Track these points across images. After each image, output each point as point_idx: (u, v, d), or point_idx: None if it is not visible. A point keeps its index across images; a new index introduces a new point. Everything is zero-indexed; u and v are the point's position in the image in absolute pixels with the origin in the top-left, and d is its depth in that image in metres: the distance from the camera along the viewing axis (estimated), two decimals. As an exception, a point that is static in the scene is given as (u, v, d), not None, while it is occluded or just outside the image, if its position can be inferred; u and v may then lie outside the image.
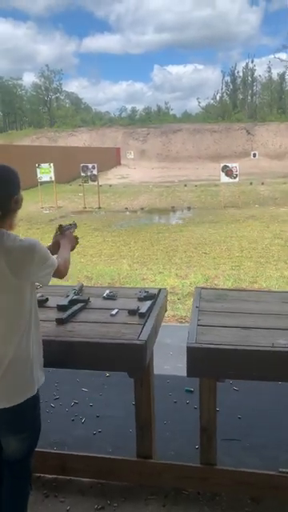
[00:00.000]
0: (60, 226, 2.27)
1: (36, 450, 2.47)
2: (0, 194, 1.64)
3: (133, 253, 8.49)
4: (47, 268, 1.73)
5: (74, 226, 2.39)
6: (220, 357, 1.94)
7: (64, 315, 2.25)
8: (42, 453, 2.43)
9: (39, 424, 1.95)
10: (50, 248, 2.06)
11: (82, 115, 75.21)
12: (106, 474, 2.37)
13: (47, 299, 2.53)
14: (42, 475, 2.42)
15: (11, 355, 1.68)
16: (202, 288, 2.83)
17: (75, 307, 2.37)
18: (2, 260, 1.59)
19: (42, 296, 2.56)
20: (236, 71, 71.11)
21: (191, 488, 2.31)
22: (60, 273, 1.87)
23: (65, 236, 2.21)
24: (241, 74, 71.07)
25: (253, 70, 71.11)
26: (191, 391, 3.19)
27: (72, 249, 2.23)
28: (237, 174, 14.73)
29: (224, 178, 14.85)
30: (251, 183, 21.90)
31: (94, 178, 16.33)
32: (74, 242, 2.27)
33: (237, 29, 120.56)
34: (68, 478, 2.40)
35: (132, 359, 1.99)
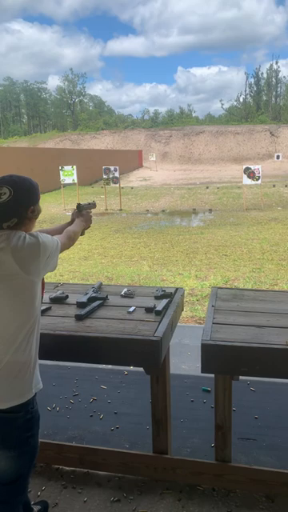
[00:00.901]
0: (78, 204, 2.30)
1: (55, 442, 2.56)
2: (18, 202, 1.72)
3: (153, 254, 8.54)
4: (54, 256, 1.78)
5: (92, 205, 2.41)
6: (233, 354, 1.97)
7: (83, 312, 2.32)
8: (60, 445, 2.52)
9: (35, 443, 1.80)
10: (65, 226, 2.14)
11: (104, 118, 75.83)
12: (123, 468, 2.42)
13: (67, 296, 2.61)
14: (60, 467, 2.50)
15: (9, 357, 1.67)
16: (219, 288, 2.86)
17: (94, 304, 2.44)
18: (11, 258, 1.64)
19: (63, 293, 2.64)
20: (260, 72, 70.63)
21: (206, 484, 2.34)
22: (64, 246, 1.92)
23: (82, 215, 2.26)
24: (265, 75, 70.50)
25: (277, 71, 70.48)
26: (208, 391, 3.22)
27: (86, 228, 2.27)
28: (259, 176, 14.62)
29: (246, 180, 14.76)
30: (274, 185, 21.67)
31: (116, 181, 16.46)
32: (90, 221, 2.29)
33: (262, 30, 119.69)
34: (85, 470, 2.47)
35: (148, 355, 2.04)
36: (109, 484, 2.38)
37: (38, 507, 2.15)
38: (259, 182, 14.70)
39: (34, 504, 2.14)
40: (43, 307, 2.39)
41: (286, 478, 2.24)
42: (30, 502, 2.06)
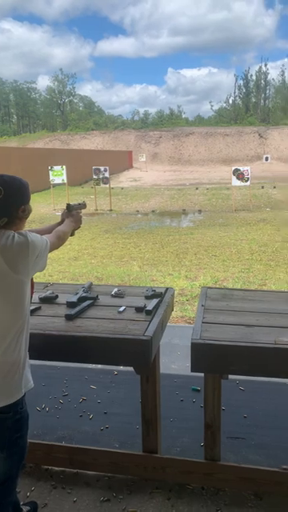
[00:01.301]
0: (68, 204, 2.30)
1: (44, 443, 2.56)
2: (9, 201, 1.71)
3: (143, 255, 8.55)
4: (43, 255, 1.78)
5: (82, 205, 2.40)
6: (223, 353, 1.99)
7: (73, 311, 2.32)
8: (50, 445, 2.51)
9: (24, 443, 1.81)
10: (55, 226, 2.14)
11: (94, 118, 75.66)
12: (112, 467, 2.42)
13: (57, 296, 2.60)
14: (49, 467, 2.49)
15: None
16: (209, 288, 2.88)
17: (84, 304, 2.43)
18: (0, 258, 1.64)
19: (53, 293, 2.64)
20: (249, 75, 71.07)
21: (195, 483, 2.35)
22: (53, 246, 1.91)
23: (71, 215, 2.25)
24: (254, 77, 70.98)
25: (266, 74, 70.97)
26: (198, 390, 3.23)
27: (76, 228, 2.26)
28: (248, 178, 14.72)
29: (235, 182, 14.85)
30: (263, 187, 21.83)
31: (106, 181, 16.44)
32: (80, 221, 2.29)
33: (252, 32, 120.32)
34: (75, 470, 2.46)
35: (138, 355, 2.04)
36: (98, 484, 2.38)
37: (28, 508, 2.14)
38: (248, 183, 14.80)
39: (23, 505, 2.13)
40: (33, 307, 2.39)
41: (274, 476, 2.26)
42: (19, 502, 2.05)
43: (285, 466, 2.32)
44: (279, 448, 2.62)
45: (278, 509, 2.18)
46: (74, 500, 2.27)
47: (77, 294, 2.58)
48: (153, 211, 15.75)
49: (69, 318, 2.28)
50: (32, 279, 1.85)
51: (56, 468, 2.49)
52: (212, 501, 2.25)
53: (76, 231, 2.29)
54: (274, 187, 22.00)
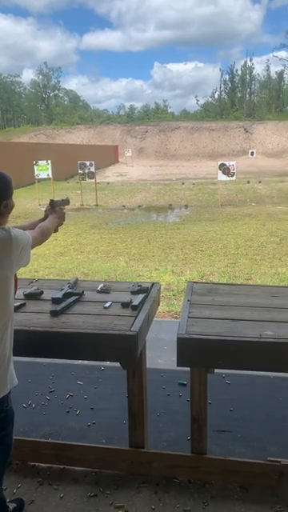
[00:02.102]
0: (52, 200, 2.29)
1: (30, 439, 2.54)
2: None
3: (129, 250, 8.54)
4: (26, 250, 1.78)
5: (66, 201, 2.39)
6: (209, 347, 2.00)
7: (58, 307, 2.30)
8: (36, 442, 2.50)
9: (10, 441, 1.80)
10: (38, 222, 2.13)
11: (80, 113, 75.04)
12: (99, 463, 2.42)
13: (42, 292, 2.58)
14: (36, 464, 2.48)
15: None
16: (195, 282, 2.89)
17: (69, 300, 2.42)
18: None
19: (38, 289, 2.61)
20: (235, 69, 71.08)
21: (182, 476, 2.36)
22: (36, 241, 1.91)
23: (55, 211, 2.24)
24: (239, 72, 71.08)
25: (251, 69, 71.04)
26: (184, 384, 3.25)
27: (59, 224, 2.25)
28: (234, 173, 14.78)
29: (221, 176, 14.89)
30: (248, 181, 21.95)
31: (92, 176, 16.35)
32: (63, 218, 2.27)
33: (238, 27, 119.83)
34: (62, 467, 2.46)
35: (124, 350, 2.04)
36: (85, 479, 2.38)
37: (14, 505, 2.13)
38: (234, 178, 14.86)
39: (9, 502, 2.12)
40: (17, 303, 2.36)
41: (259, 468, 2.29)
42: (5, 499, 2.04)
43: (270, 458, 2.34)
44: (265, 441, 2.65)
45: (264, 500, 2.21)
46: (60, 496, 2.26)
47: (62, 289, 2.56)
48: (139, 206, 15.73)
49: (54, 314, 2.26)
50: (16, 275, 1.83)
51: (43, 464, 2.48)
52: (199, 494, 2.26)
53: (60, 227, 2.28)
54: (260, 182, 22.14)
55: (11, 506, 2.11)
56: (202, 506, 2.18)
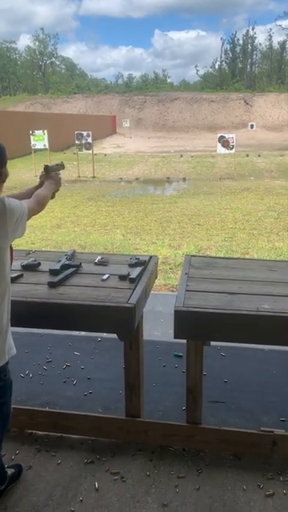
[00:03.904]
0: (46, 166, 2.23)
1: (28, 408, 2.58)
2: None
3: (126, 223, 8.50)
4: (22, 221, 1.74)
5: (61, 166, 2.33)
6: (206, 320, 2.01)
7: (56, 279, 2.30)
8: (33, 411, 2.54)
9: (8, 409, 1.83)
10: (34, 190, 2.08)
11: (77, 81, 73.33)
12: (96, 431, 2.47)
13: (39, 264, 2.57)
14: (33, 432, 2.52)
15: None
16: (192, 256, 2.88)
17: (67, 272, 2.41)
18: None
19: (35, 260, 2.60)
20: (236, 39, 69.11)
21: (177, 445, 2.42)
22: (33, 211, 1.87)
23: (50, 177, 2.19)
24: (241, 41, 69.14)
25: (253, 38, 69.14)
26: (180, 356, 3.29)
27: (56, 190, 2.20)
28: (233, 145, 14.58)
29: (220, 149, 14.70)
30: (247, 155, 21.71)
31: (89, 147, 16.11)
32: (59, 183, 2.22)
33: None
34: (59, 434, 2.51)
35: (121, 321, 2.05)
36: (82, 447, 2.43)
37: (12, 470, 2.18)
38: (233, 151, 14.68)
39: (8, 467, 2.17)
40: (15, 274, 2.36)
41: (252, 438, 2.34)
42: (3, 465, 2.09)
43: (263, 428, 2.40)
44: (258, 411, 2.70)
45: (257, 468, 2.27)
46: (58, 462, 2.32)
47: (60, 261, 2.55)
48: (137, 179, 15.57)
49: (52, 285, 2.26)
50: (11, 246, 1.81)
51: (40, 432, 2.52)
52: (193, 461, 2.32)
53: (57, 195, 2.23)
54: (259, 155, 21.90)
55: (10, 471, 2.16)
56: (196, 473, 2.24)
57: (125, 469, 2.27)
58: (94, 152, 17.31)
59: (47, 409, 2.66)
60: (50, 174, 2.20)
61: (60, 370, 3.18)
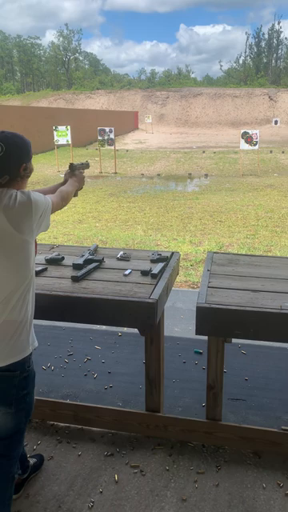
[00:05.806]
0: (71, 164, 2.26)
1: (50, 399, 2.63)
2: (11, 159, 1.67)
3: (148, 219, 8.51)
4: (46, 215, 1.76)
5: (85, 165, 2.37)
6: (228, 317, 2.00)
7: (79, 273, 2.33)
8: (55, 402, 2.58)
9: (31, 400, 1.85)
10: (58, 186, 2.12)
11: (100, 77, 73.49)
12: (116, 425, 2.50)
13: (63, 258, 2.60)
14: (55, 423, 2.57)
15: (6, 316, 1.68)
16: (215, 253, 2.87)
17: (90, 266, 2.44)
18: (4, 218, 1.62)
19: (59, 255, 2.64)
20: (261, 33, 68.08)
21: (196, 441, 2.42)
22: (56, 206, 1.90)
23: (74, 175, 2.22)
24: (266, 36, 68.05)
25: (279, 32, 67.96)
26: (200, 353, 3.29)
27: (79, 188, 2.24)
28: (257, 142, 14.40)
29: (243, 145, 14.53)
30: (271, 151, 21.42)
31: (111, 142, 16.15)
32: (82, 182, 2.26)
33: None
34: (80, 426, 2.54)
35: (143, 317, 2.06)
36: (102, 439, 2.46)
37: (34, 460, 2.23)
38: (256, 147, 14.49)
39: (30, 457, 2.22)
40: (39, 268, 2.40)
41: (272, 436, 2.33)
42: (26, 454, 2.14)
43: (284, 427, 2.38)
44: (278, 410, 2.68)
45: (276, 467, 2.26)
46: (78, 454, 2.35)
47: (83, 256, 2.58)
48: (158, 175, 15.55)
49: (75, 279, 2.29)
50: (35, 240, 1.83)
51: (61, 424, 2.57)
52: (212, 457, 2.33)
53: (79, 192, 2.26)
54: (283, 152, 21.59)
55: (32, 460, 2.20)
56: (216, 470, 2.24)
57: (144, 462, 2.29)
58: (116, 148, 17.34)
59: (68, 401, 2.70)
60: (75, 172, 2.23)
61: (81, 364, 3.22)
